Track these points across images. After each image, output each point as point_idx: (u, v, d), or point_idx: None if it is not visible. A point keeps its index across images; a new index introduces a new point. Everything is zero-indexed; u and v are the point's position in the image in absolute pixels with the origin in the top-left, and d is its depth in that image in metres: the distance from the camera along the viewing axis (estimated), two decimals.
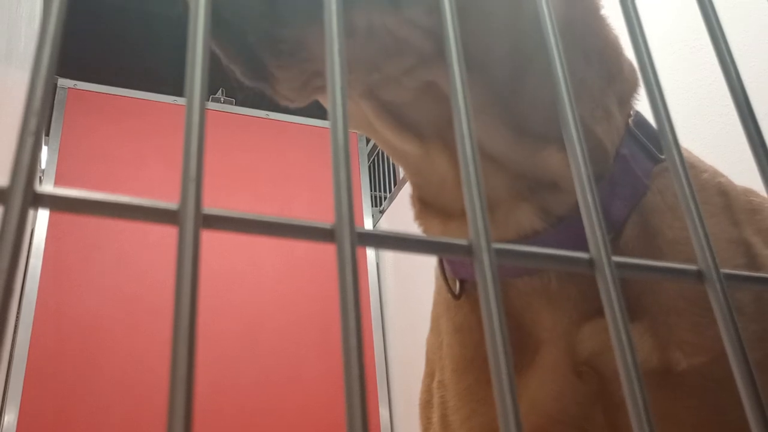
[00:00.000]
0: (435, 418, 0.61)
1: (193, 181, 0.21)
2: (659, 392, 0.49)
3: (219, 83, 3.09)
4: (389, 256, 2.95)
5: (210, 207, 0.21)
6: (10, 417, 2.19)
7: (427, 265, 2.29)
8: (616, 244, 0.53)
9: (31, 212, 0.21)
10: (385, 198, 3.11)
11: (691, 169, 0.56)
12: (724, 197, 0.55)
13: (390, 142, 0.57)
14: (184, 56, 0.23)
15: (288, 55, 0.48)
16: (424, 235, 0.24)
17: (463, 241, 0.24)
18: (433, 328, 0.67)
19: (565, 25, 0.53)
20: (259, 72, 0.49)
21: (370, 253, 3.00)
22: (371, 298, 2.91)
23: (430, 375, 0.66)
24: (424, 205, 0.60)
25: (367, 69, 0.50)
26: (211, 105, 2.97)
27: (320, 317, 2.73)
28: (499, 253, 0.24)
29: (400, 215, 2.85)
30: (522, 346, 0.54)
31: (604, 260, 0.25)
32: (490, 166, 0.54)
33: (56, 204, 0.20)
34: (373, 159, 3.25)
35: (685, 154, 0.57)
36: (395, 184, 3.02)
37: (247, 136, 2.99)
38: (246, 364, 2.56)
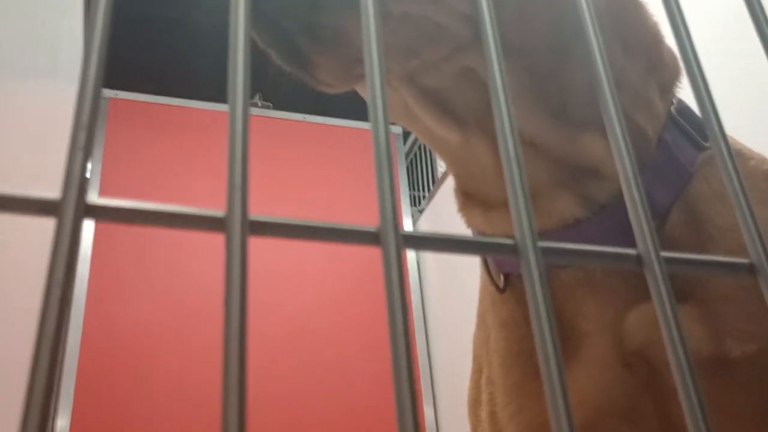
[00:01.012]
0: (484, 415, 0.60)
1: (239, 189, 0.21)
2: (711, 381, 0.48)
3: (256, 87, 3.12)
4: (431, 255, 2.94)
5: (255, 213, 0.22)
6: (63, 421, 2.24)
7: (469, 260, 2.28)
8: (661, 232, 0.52)
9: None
10: (424, 197, 3.11)
11: (737, 156, 0.55)
12: None
13: (430, 130, 0.57)
14: (224, 63, 0.23)
15: (327, 42, 0.48)
16: (467, 235, 0.24)
17: (509, 240, 0.23)
18: (480, 324, 0.66)
19: (604, 12, 0.52)
20: (296, 57, 0.50)
21: (411, 252, 3.00)
22: (413, 297, 2.91)
23: (477, 371, 0.66)
24: (466, 197, 0.60)
25: (405, 55, 0.50)
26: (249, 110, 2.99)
27: (367, 318, 2.73)
28: (546, 251, 0.23)
29: (439, 214, 2.84)
30: (564, 338, 0.54)
31: (653, 256, 0.24)
32: (531, 152, 0.53)
33: (107, 215, 0.21)
34: (411, 158, 3.25)
35: (730, 141, 0.56)
36: (434, 184, 3.02)
37: (285, 141, 3.02)
38: (292, 366, 2.58)
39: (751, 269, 0.26)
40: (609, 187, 0.52)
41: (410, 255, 3.00)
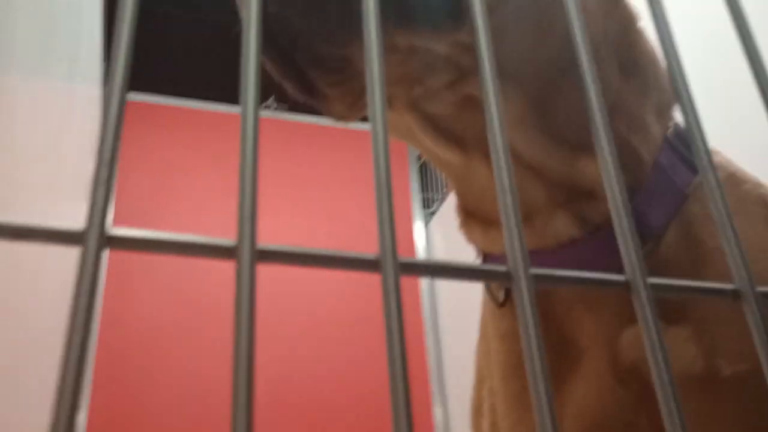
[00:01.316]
0: (486, 425, 0.62)
1: (249, 220, 0.23)
2: (703, 398, 0.49)
3: (270, 90, 3.14)
4: (441, 252, 2.95)
5: (264, 238, 0.23)
6: (80, 418, 2.28)
7: None
8: (655, 254, 0.53)
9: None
10: (436, 200, 3.12)
11: (730, 178, 0.56)
12: (766, 208, 0.55)
13: (433, 151, 0.58)
14: (236, 65, 0.24)
15: (335, 72, 0.50)
16: (462, 262, 0.26)
17: (501, 268, 0.25)
18: (482, 335, 0.68)
19: (601, 36, 0.54)
20: (310, 89, 0.51)
21: (421, 248, 3.01)
22: (423, 298, 2.93)
23: (480, 381, 0.67)
24: (467, 214, 0.61)
25: (410, 83, 0.52)
26: (262, 113, 3.02)
27: (379, 318, 2.75)
28: (538, 278, 0.25)
29: (451, 217, 2.82)
30: (564, 352, 0.55)
31: (639, 282, 0.26)
32: (530, 175, 0.55)
33: (125, 245, 0.22)
34: (423, 161, 3.26)
35: (725, 164, 0.57)
36: (446, 186, 3.03)
37: (299, 143, 3.04)
38: (307, 365, 2.60)
39: (735, 295, 0.27)
40: (603, 208, 0.54)
41: (421, 255, 3.01)
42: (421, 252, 3.02)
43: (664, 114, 0.58)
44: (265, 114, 3.04)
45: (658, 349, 0.25)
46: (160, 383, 2.44)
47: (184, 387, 2.45)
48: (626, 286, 0.26)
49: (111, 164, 0.22)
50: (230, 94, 2.90)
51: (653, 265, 0.51)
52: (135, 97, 2.90)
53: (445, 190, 3.01)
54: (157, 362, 2.46)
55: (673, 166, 0.55)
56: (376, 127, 0.24)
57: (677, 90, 0.31)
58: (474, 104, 0.54)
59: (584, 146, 0.54)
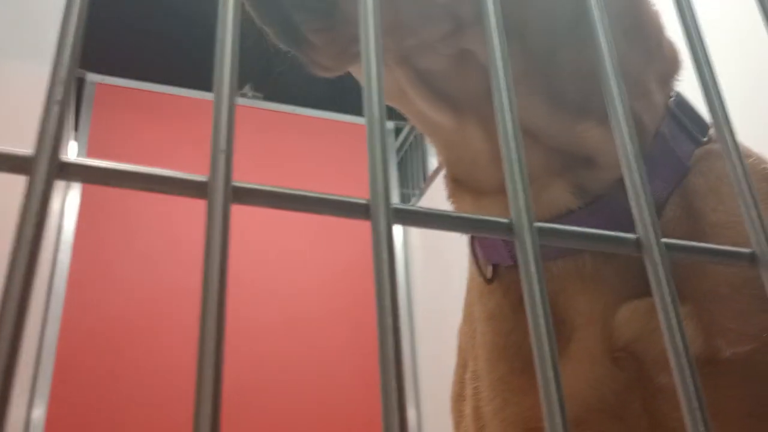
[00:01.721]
0: (468, 410, 0.59)
1: (223, 152, 0.20)
2: (701, 380, 0.47)
3: (247, 78, 3.10)
4: (418, 249, 2.93)
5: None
6: (39, 411, 2.21)
7: (455, 263, 2.27)
8: None
9: (58, 198, 0.20)
10: (414, 195, 3.10)
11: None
12: None
13: (423, 113, 0.56)
14: (214, 51, 0.22)
15: (323, 15, 0.47)
16: (461, 213, 0.23)
17: (503, 219, 0.22)
18: (466, 317, 0.65)
19: None
20: (294, 36, 0.49)
21: (399, 251, 2.99)
22: (399, 299, 2.90)
23: (462, 366, 0.65)
24: (456, 184, 0.59)
25: (403, 33, 0.49)
26: (238, 100, 2.97)
27: (354, 312, 2.72)
28: (542, 232, 0.22)
29: None
30: (555, 332, 0.53)
31: (653, 241, 0.24)
32: (526, 139, 0.52)
33: (83, 175, 0.19)
34: (402, 155, 3.24)
35: None
36: (425, 181, 3.01)
37: (274, 131, 3.00)
38: (277, 358, 2.56)
39: (752, 259, 0.25)
40: (603, 177, 0.52)
41: (398, 250, 2.99)
42: (399, 247, 3.00)
43: (666, 82, 0.57)
44: (241, 101, 2.99)
45: (672, 315, 0.23)
46: (124, 376, 2.38)
47: (149, 381, 2.39)
48: (637, 245, 0.24)
49: (67, 83, 0.19)
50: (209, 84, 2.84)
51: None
52: (111, 80, 2.83)
53: (423, 185, 2.99)
54: (123, 356, 2.40)
55: (674, 137, 0.53)
56: (368, 57, 0.22)
57: (694, 50, 0.28)
58: (470, 60, 0.51)
59: (585, 111, 0.52)
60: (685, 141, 0.54)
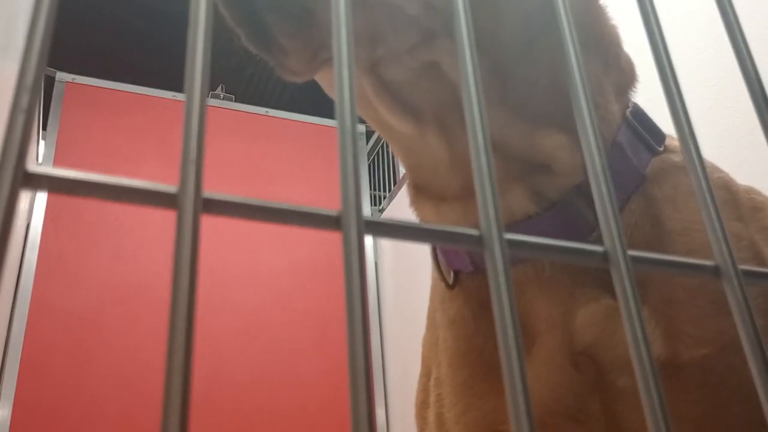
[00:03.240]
0: (431, 417, 0.60)
1: (193, 162, 0.20)
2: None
3: (220, 79, 3.08)
4: (388, 258, 2.94)
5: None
6: (4, 411, 2.18)
7: (425, 266, 2.28)
8: None
9: (25, 197, 0.20)
10: (385, 197, 3.10)
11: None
12: (726, 191, 0.55)
13: (386, 121, 0.56)
14: (185, 52, 0.22)
15: (295, 20, 0.47)
16: (432, 224, 0.23)
17: (474, 232, 0.23)
18: (429, 325, 0.66)
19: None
20: (265, 39, 0.49)
21: (369, 254, 2.99)
22: (369, 300, 2.90)
23: (426, 374, 0.65)
24: (417, 190, 0.60)
25: (372, 42, 0.50)
26: (211, 101, 2.96)
27: (318, 316, 2.72)
28: (512, 243, 0.23)
29: (400, 215, 2.84)
30: None
31: (620, 254, 0.24)
32: None
33: (50, 185, 0.19)
34: (373, 158, 3.24)
35: (680, 148, 0.57)
36: (395, 184, 3.01)
37: (246, 133, 2.98)
38: (243, 362, 2.55)
39: (715, 272, 0.26)
40: (559, 183, 0.53)
41: (369, 258, 2.99)
42: (369, 247, 3.00)
43: (623, 93, 0.58)
44: (214, 102, 2.97)
45: (637, 324, 0.23)
46: (90, 375, 2.34)
47: (117, 379, 2.36)
48: (604, 258, 0.24)
49: (34, 91, 0.19)
50: (179, 85, 2.83)
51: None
52: (82, 79, 2.79)
53: (394, 188, 2.99)
54: (89, 355, 2.37)
55: (631, 146, 0.55)
56: (341, 67, 0.22)
57: (658, 57, 0.29)
58: (435, 73, 0.52)
59: (545, 118, 0.53)
60: (642, 150, 0.55)
